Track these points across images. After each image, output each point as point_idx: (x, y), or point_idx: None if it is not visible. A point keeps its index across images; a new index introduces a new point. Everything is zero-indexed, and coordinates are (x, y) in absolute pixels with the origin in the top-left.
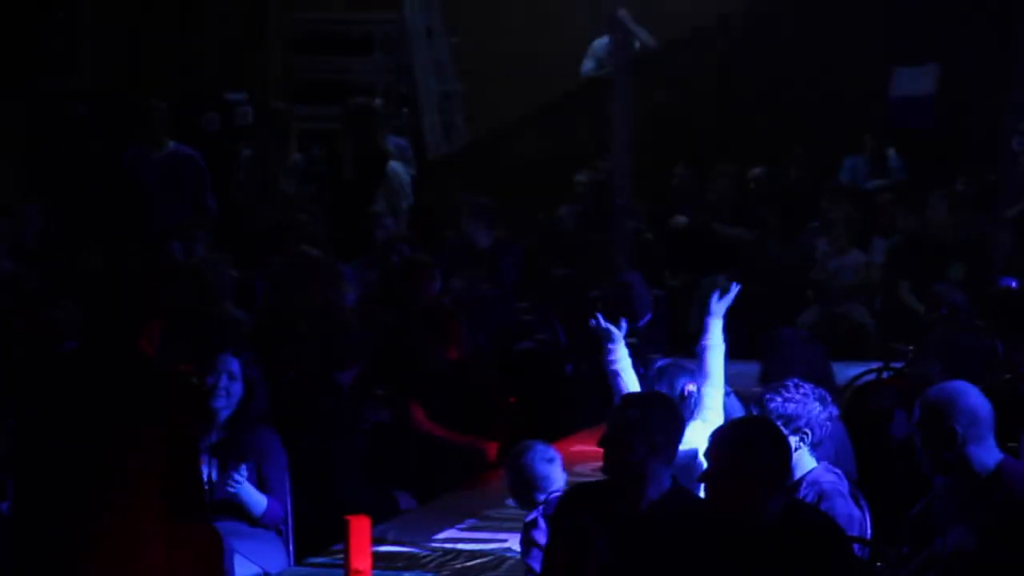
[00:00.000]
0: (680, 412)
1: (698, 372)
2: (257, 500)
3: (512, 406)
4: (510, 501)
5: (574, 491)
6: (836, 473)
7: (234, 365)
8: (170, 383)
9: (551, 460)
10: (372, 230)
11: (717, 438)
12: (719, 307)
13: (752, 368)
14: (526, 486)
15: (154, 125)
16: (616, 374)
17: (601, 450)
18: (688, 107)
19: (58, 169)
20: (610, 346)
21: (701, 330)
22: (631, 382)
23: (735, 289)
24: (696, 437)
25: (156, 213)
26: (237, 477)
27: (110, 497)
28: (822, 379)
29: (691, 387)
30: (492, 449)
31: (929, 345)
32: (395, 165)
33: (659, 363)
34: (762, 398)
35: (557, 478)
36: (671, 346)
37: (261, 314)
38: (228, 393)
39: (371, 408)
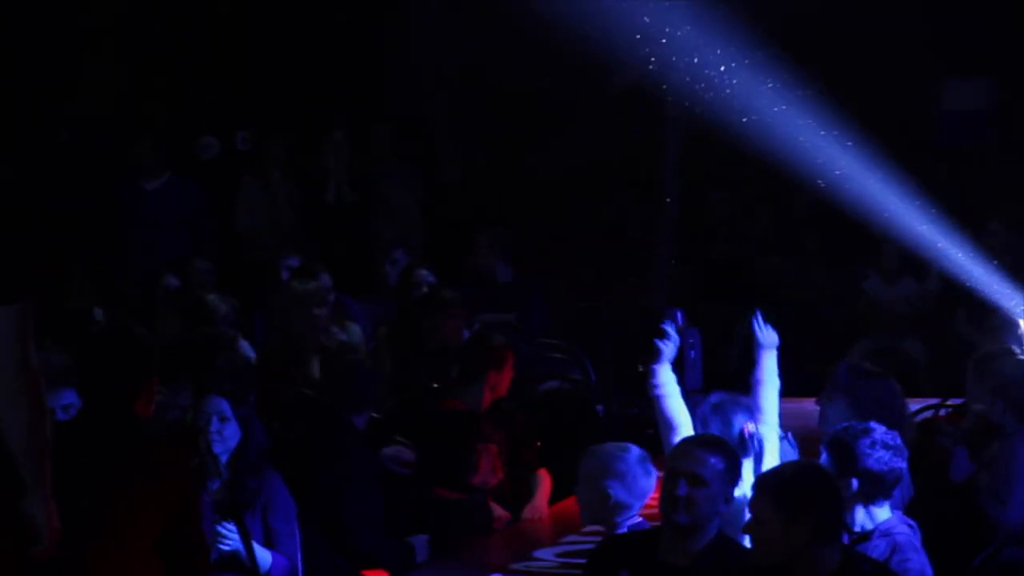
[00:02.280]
0: (738, 459)
1: (754, 409)
2: (262, 556)
3: (538, 450)
4: (539, 552)
5: (612, 542)
6: (911, 524)
7: (223, 406)
8: (166, 448)
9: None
10: (378, 262)
11: (762, 485)
12: (767, 336)
13: (802, 407)
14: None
15: (146, 155)
16: (660, 399)
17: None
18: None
19: (44, 199)
20: (654, 367)
21: (752, 363)
22: (678, 409)
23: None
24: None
25: (152, 246)
26: (225, 534)
27: (106, 563)
28: (894, 419)
29: (750, 426)
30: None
31: (988, 380)
32: (400, 192)
33: (713, 398)
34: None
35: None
36: (707, 384)
37: (263, 352)
38: (221, 436)
39: (390, 456)
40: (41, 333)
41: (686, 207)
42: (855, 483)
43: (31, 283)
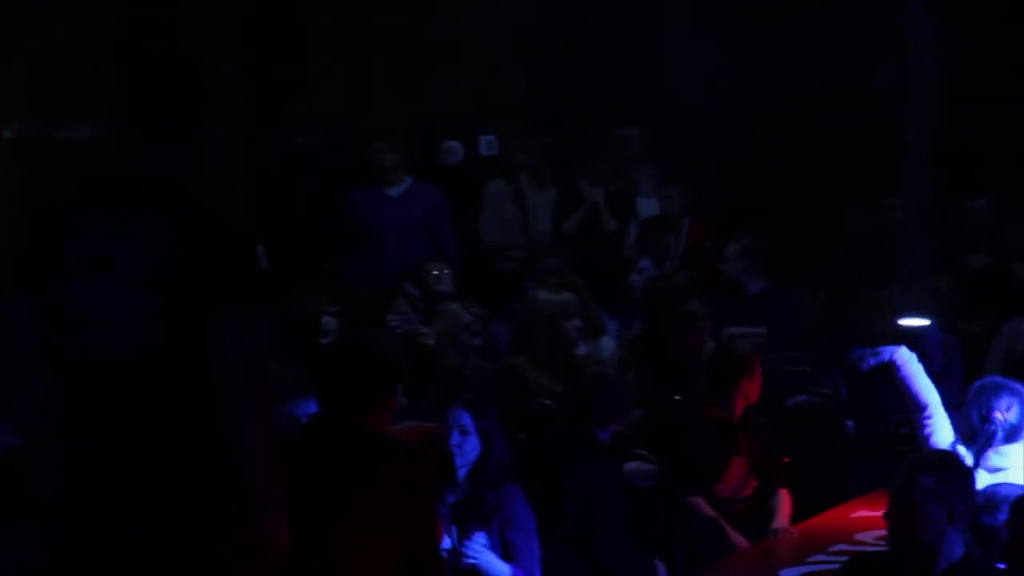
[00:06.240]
0: (972, 473)
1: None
2: (500, 571)
3: (785, 466)
4: (784, 572)
5: (855, 563)
6: None
7: (465, 418)
8: (404, 462)
9: None
10: (625, 273)
11: (1021, 505)
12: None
13: None
14: None
15: (385, 161)
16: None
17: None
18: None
19: (282, 205)
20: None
21: None
22: (922, 386)
23: None
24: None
25: (392, 253)
26: (474, 547)
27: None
28: None
29: (1001, 413)
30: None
31: None
32: (646, 202)
33: (979, 382)
34: None
35: None
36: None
37: (506, 364)
38: (462, 450)
39: (633, 470)
40: (277, 342)
41: (940, 213)
42: None
43: (267, 290)
